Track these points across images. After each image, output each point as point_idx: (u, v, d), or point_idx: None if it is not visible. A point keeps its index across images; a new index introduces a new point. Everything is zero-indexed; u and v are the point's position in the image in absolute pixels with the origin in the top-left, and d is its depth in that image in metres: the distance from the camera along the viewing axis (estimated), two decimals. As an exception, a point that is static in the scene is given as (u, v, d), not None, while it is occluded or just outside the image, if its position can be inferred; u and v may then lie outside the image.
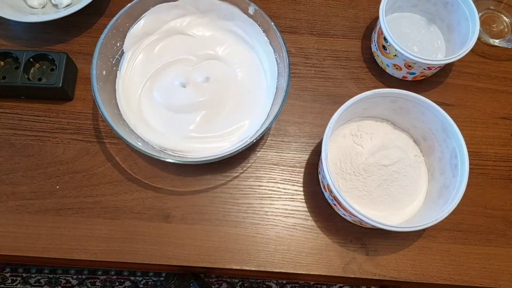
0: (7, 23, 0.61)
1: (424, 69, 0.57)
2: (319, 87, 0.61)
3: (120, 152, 0.56)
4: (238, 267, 0.52)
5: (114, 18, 0.53)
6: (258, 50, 0.58)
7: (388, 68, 0.61)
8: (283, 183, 0.56)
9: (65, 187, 0.54)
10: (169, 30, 0.59)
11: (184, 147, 0.54)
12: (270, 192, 0.55)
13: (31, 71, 0.56)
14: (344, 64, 0.63)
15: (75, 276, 1.15)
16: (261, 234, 0.53)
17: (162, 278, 1.15)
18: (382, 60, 0.61)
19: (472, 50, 0.56)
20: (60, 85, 0.55)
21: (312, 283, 1.17)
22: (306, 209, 0.55)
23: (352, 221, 0.53)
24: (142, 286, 1.15)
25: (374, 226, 0.47)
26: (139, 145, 0.50)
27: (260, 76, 0.58)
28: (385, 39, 0.56)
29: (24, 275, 1.15)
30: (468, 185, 0.48)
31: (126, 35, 0.56)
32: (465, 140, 0.49)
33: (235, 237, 0.53)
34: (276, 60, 0.56)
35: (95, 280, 1.15)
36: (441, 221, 0.47)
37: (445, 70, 0.63)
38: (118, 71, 0.56)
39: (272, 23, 0.54)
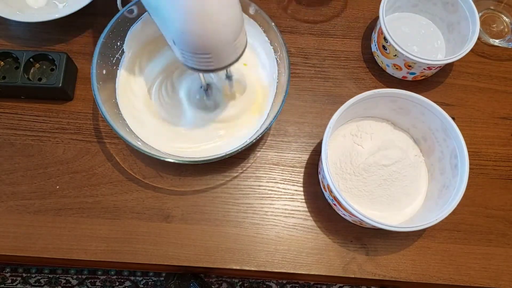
0: (7, 23, 0.61)
1: (424, 69, 0.57)
2: (319, 87, 0.61)
3: (120, 152, 0.56)
4: (238, 267, 0.52)
5: (114, 18, 0.53)
6: (258, 50, 0.58)
7: (388, 68, 0.61)
8: (283, 183, 0.56)
9: (65, 187, 0.54)
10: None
11: (184, 147, 0.54)
12: (270, 192, 0.55)
13: (31, 71, 0.56)
14: (344, 64, 0.63)
15: (75, 276, 1.15)
16: (261, 234, 0.53)
17: (162, 278, 1.15)
18: (382, 60, 0.61)
19: (472, 50, 0.56)
20: (60, 85, 0.55)
21: (312, 283, 1.17)
22: (306, 209, 0.55)
23: (352, 221, 0.53)
24: (142, 286, 1.15)
25: (374, 226, 0.47)
26: (139, 144, 0.50)
27: (260, 76, 0.58)
28: (385, 39, 0.56)
29: (24, 275, 1.15)
30: (468, 185, 0.48)
31: (126, 34, 0.56)
32: (465, 140, 0.49)
33: (235, 237, 0.53)
34: (276, 60, 0.56)
35: (95, 280, 1.15)
36: (441, 221, 0.47)
37: (445, 70, 0.63)
38: (118, 70, 0.56)
39: (272, 23, 0.54)
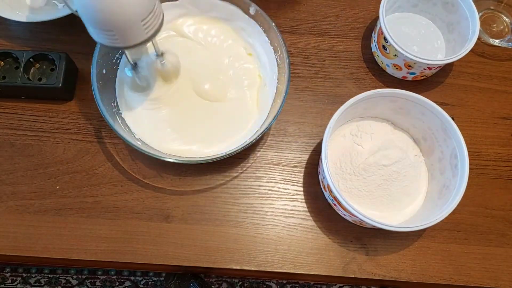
0: (7, 23, 0.61)
1: (424, 69, 0.57)
2: (319, 87, 0.61)
3: (120, 152, 0.56)
4: (238, 267, 0.52)
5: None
6: (258, 50, 0.58)
7: (388, 68, 0.61)
8: (283, 183, 0.56)
9: (65, 187, 0.54)
10: (169, 30, 0.59)
11: (184, 146, 0.54)
12: (270, 192, 0.55)
13: (31, 71, 0.56)
14: (344, 64, 0.63)
15: (75, 276, 1.15)
16: (261, 234, 0.53)
17: (162, 278, 1.15)
18: (382, 60, 0.61)
19: (472, 50, 0.56)
20: (60, 85, 0.55)
21: (312, 283, 1.17)
22: (306, 209, 0.55)
23: (352, 221, 0.53)
24: (142, 286, 1.15)
25: (374, 226, 0.47)
26: (139, 144, 0.50)
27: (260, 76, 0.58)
28: (385, 39, 0.56)
29: (24, 275, 1.15)
30: (468, 185, 0.48)
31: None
32: (465, 140, 0.49)
33: (235, 237, 0.53)
34: (276, 60, 0.56)
35: (95, 280, 1.15)
36: (441, 221, 0.47)
37: (445, 70, 0.63)
38: (118, 70, 0.56)
39: (273, 23, 0.54)
